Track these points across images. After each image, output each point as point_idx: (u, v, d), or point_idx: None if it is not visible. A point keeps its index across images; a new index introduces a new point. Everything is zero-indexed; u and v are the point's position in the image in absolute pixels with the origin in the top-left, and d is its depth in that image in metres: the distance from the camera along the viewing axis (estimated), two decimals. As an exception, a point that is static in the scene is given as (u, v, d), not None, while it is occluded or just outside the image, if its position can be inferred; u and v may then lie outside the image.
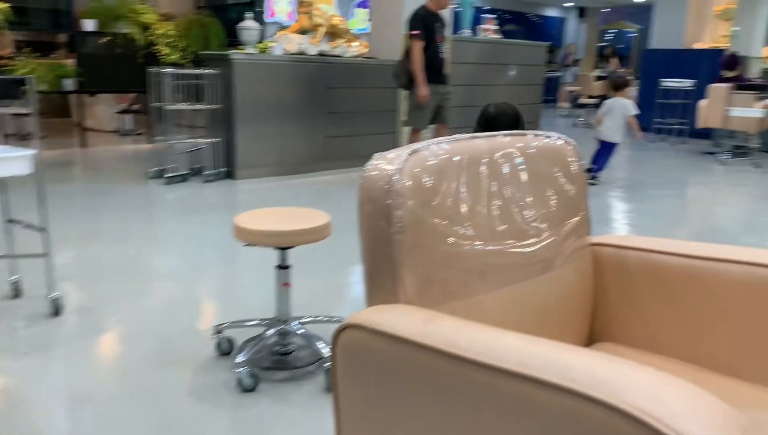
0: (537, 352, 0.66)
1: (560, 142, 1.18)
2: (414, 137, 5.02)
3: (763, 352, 1.00)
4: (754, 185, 5.90)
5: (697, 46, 10.06)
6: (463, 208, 0.97)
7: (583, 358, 0.67)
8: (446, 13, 5.26)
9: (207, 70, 5.00)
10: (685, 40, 10.21)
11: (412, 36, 4.65)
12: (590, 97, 13.09)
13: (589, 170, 5.35)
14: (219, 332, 2.10)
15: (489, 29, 7.08)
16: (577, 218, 1.16)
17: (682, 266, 1.09)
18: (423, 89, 4.69)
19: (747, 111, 6.93)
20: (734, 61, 7.65)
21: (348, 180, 5.31)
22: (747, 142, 7.95)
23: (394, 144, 6.20)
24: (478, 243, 0.97)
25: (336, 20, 5.91)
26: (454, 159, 0.98)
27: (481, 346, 0.69)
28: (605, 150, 5.55)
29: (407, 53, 4.82)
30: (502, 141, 1.08)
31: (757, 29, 9.05)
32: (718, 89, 7.28)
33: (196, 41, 7.21)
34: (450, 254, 0.93)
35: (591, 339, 1.21)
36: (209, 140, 5.04)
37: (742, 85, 7.01)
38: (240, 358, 1.91)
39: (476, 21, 6.99)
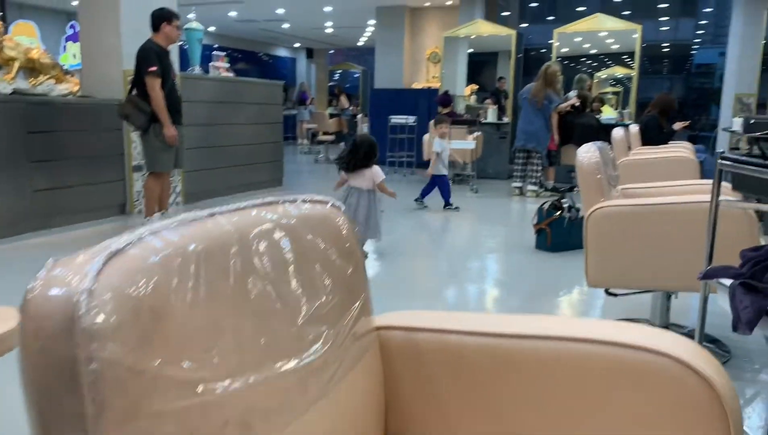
0: None
1: (327, 206, 0.93)
2: (154, 183, 4.51)
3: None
4: (475, 210, 6.56)
5: (415, 85, 11.14)
6: (207, 331, 0.64)
7: None
8: (173, 49, 4.82)
9: None
10: (405, 80, 11.23)
11: (149, 72, 4.16)
12: (326, 133, 13.60)
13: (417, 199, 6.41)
14: None
15: (221, 67, 6.76)
16: (359, 302, 0.91)
17: (481, 346, 0.91)
18: (171, 129, 4.27)
19: (462, 143, 7.76)
20: (447, 98, 8.57)
21: (67, 241, 4.46)
22: (464, 170, 8.96)
23: (125, 193, 5.45)
24: (233, 381, 0.65)
25: (35, 53, 5.00)
26: (189, 248, 0.66)
27: None
28: (431, 182, 6.36)
29: (136, 91, 4.29)
30: (254, 216, 0.78)
31: (459, 71, 10.34)
32: (437, 124, 8.05)
33: None
34: (191, 412, 0.59)
35: (387, 446, 0.97)
36: None
37: (455, 120, 7.84)
38: None
39: (205, 59, 6.62)
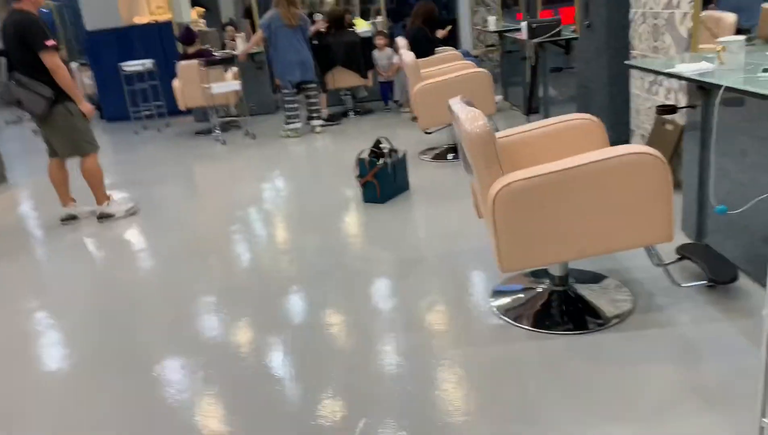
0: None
1: None
2: (95, 164, 4.22)
3: None
4: (254, 158, 5.87)
5: (137, 20, 9.41)
6: None
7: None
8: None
9: None
10: (123, 16, 9.41)
11: (47, 48, 3.79)
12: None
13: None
14: None
15: None
16: None
17: None
18: (87, 103, 4.11)
19: (227, 85, 6.81)
20: (191, 34, 7.36)
21: None
22: (229, 113, 7.99)
23: None
24: None
25: None
26: None
27: None
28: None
29: (21, 71, 3.83)
30: None
31: (181, -5, 8.90)
32: (189, 67, 6.89)
33: None
34: None
35: None
36: None
37: (209, 60, 6.80)
38: None
39: None
